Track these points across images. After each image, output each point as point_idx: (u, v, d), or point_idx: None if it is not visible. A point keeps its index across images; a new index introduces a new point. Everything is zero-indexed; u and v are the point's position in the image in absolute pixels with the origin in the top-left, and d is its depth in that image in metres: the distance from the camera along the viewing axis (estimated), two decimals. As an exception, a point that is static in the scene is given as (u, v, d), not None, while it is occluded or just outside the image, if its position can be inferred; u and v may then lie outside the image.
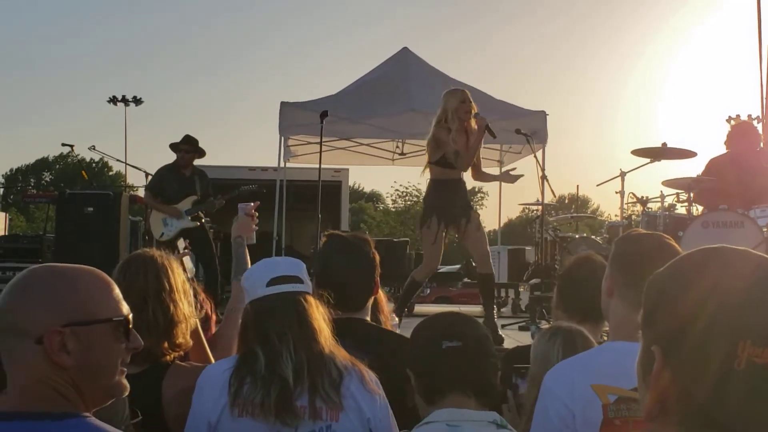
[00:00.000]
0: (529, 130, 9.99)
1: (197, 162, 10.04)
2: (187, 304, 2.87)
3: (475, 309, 9.26)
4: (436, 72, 12.08)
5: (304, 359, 2.50)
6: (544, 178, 9.49)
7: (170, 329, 2.78)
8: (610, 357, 2.42)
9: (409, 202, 50.79)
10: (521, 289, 12.21)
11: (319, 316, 2.61)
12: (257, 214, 3.83)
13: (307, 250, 13.88)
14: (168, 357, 2.79)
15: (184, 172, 9.67)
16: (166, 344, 2.77)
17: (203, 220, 9.82)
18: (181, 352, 2.86)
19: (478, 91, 11.96)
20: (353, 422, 2.51)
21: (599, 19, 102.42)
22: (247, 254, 3.67)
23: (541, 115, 11.03)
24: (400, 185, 50.82)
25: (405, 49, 12.24)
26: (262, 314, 2.59)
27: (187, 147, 9.64)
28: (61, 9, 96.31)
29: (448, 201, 7.20)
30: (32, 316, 1.67)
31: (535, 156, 9.68)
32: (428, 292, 18.90)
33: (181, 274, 2.90)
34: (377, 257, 3.17)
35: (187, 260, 3.74)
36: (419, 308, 11.83)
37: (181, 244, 8.31)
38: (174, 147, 9.70)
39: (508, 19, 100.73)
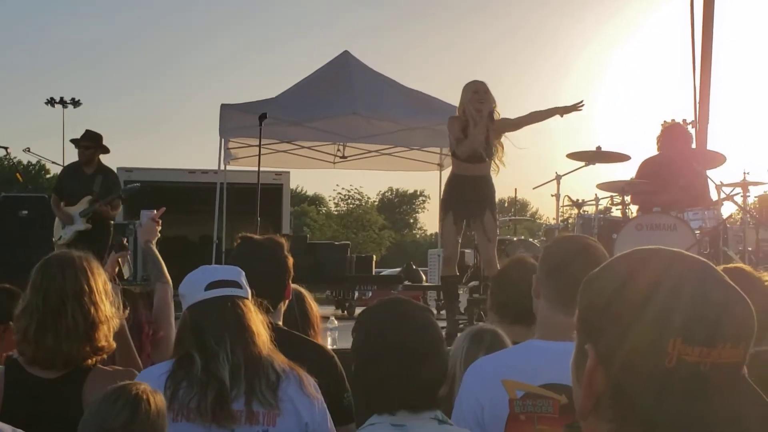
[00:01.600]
0: (468, 133, 10.06)
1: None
2: (109, 305, 2.79)
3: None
4: (377, 75, 12.12)
5: (241, 361, 2.48)
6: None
7: (91, 332, 2.70)
8: (527, 354, 2.50)
9: (351, 206, 50.84)
10: (460, 292, 12.29)
11: (258, 320, 2.60)
12: (160, 221, 4.03)
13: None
14: (90, 361, 2.72)
15: (85, 170, 8.97)
16: (87, 348, 2.69)
17: (112, 222, 9.11)
18: (104, 356, 2.79)
19: (418, 92, 12.07)
20: (291, 427, 2.50)
21: (537, 22, 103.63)
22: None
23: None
24: (342, 188, 50.90)
25: (346, 52, 12.26)
26: (199, 317, 2.56)
27: (86, 143, 8.98)
28: (3, 8, 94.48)
29: (455, 195, 7.10)
30: None
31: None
32: (370, 294, 18.96)
33: (102, 274, 2.83)
34: (290, 260, 3.14)
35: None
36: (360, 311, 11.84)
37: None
38: (74, 143, 9.12)
39: (450, 20, 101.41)
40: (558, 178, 8.96)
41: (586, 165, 8.66)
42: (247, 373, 2.48)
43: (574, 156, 8.65)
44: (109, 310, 2.78)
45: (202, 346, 2.50)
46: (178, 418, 2.42)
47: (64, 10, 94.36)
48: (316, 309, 3.61)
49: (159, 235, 3.95)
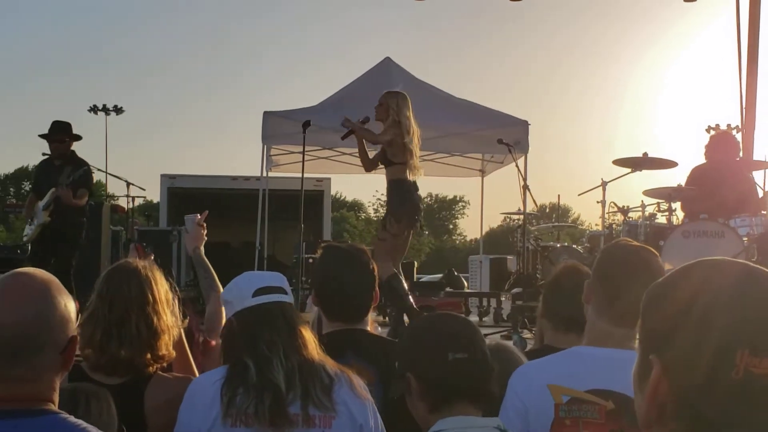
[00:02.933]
0: (511, 140, 10.07)
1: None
2: (170, 315, 2.87)
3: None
4: (418, 81, 12.10)
5: (295, 366, 2.50)
6: (525, 187, 9.56)
7: (153, 341, 2.77)
8: (573, 360, 2.49)
9: (390, 212, 50.81)
10: (503, 298, 12.23)
11: (305, 327, 2.64)
12: (205, 225, 4.00)
13: (289, 260, 13.87)
14: (151, 368, 2.79)
15: (55, 163, 8.68)
16: (149, 355, 2.76)
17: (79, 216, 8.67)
18: (164, 364, 2.85)
19: (459, 98, 12.03)
20: (346, 429, 2.52)
21: (583, 30, 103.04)
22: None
23: (524, 126, 11.09)
24: (382, 194, 50.84)
25: (387, 59, 12.26)
26: (249, 324, 2.58)
27: (60, 136, 8.65)
28: (43, 17, 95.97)
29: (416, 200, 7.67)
30: None
31: (516, 166, 9.74)
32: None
33: (164, 284, 2.91)
34: (376, 267, 3.16)
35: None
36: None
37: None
38: (46, 138, 8.76)
39: (494, 28, 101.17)
40: (604, 184, 8.88)
41: (632, 171, 8.59)
42: (302, 378, 2.49)
43: (620, 162, 8.59)
44: (170, 319, 2.86)
45: (255, 353, 2.52)
46: (236, 424, 2.45)
47: (105, 19, 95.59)
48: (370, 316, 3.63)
49: (206, 238, 3.95)
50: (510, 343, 3.04)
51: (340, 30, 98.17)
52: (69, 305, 1.85)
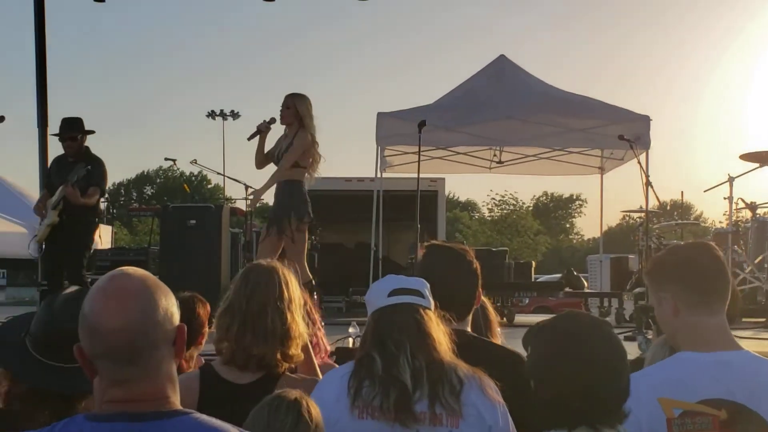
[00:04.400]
0: (632, 135, 9.82)
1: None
2: (301, 317, 2.97)
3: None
4: (533, 78, 11.93)
5: (422, 366, 2.51)
6: (648, 184, 9.28)
7: (285, 339, 2.87)
8: (679, 369, 2.43)
9: (505, 211, 50.32)
10: (625, 298, 11.92)
11: (439, 330, 2.63)
12: None
13: (403, 261, 13.85)
14: (281, 368, 2.87)
15: (68, 159, 8.28)
16: (279, 354, 2.86)
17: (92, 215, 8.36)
18: (293, 364, 2.94)
19: (576, 94, 11.79)
20: (474, 431, 2.51)
21: (706, 20, 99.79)
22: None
23: (645, 120, 10.80)
24: (497, 194, 50.47)
25: (502, 56, 12.12)
26: (380, 322, 2.62)
27: (73, 134, 8.27)
28: (159, 26, 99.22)
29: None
30: None
31: (639, 162, 9.48)
32: (527, 301, 18.63)
33: (297, 287, 3.01)
34: (479, 267, 3.14)
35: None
36: (519, 318, 11.67)
37: None
38: (59, 136, 8.41)
39: (610, 21, 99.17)
40: (731, 180, 8.53)
41: (760, 166, 8.22)
42: (430, 378, 2.51)
43: (748, 157, 8.26)
44: (301, 322, 2.96)
45: (382, 349, 2.56)
46: (363, 416, 2.49)
47: (220, 26, 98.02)
48: (494, 315, 3.56)
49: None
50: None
51: (453, 28, 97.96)
52: (168, 298, 1.86)
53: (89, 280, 10.19)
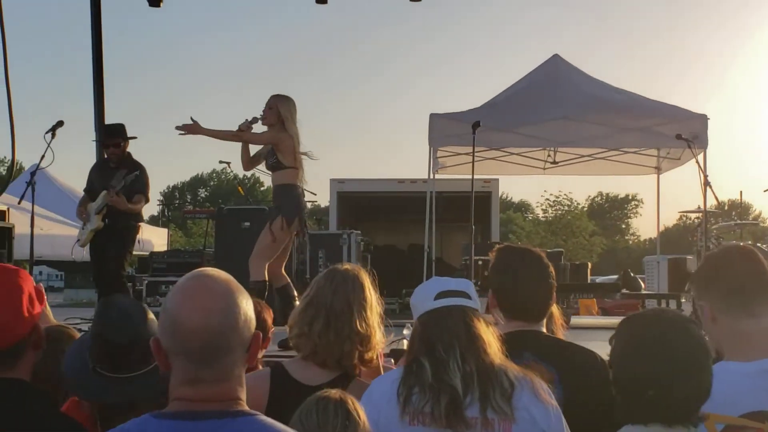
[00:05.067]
0: (689, 134, 9.69)
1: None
2: (377, 322, 3.01)
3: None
4: (588, 78, 11.79)
5: (473, 370, 2.50)
6: (707, 184, 9.14)
7: (366, 342, 2.92)
8: (721, 380, 2.33)
9: (559, 212, 49.86)
10: (683, 300, 11.71)
11: (488, 331, 2.60)
12: None
13: (457, 262, 13.80)
14: (356, 370, 2.93)
15: (110, 165, 8.41)
16: (356, 355, 2.90)
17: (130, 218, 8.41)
18: (370, 368, 2.98)
19: (632, 92, 11.62)
20: None
21: (766, 16, 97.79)
22: None
23: (702, 119, 10.62)
24: (551, 194, 50.01)
25: (556, 56, 12.00)
26: (428, 326, 2.60)
27: (116, 140, 8.39)
28: (211, 29, 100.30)
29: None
30: None
31: (696, 161, 9.33)
32: (582, 303, 18.40)
33: (375, 293, 3.04)
34: (552, 268, 3.14)
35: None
36: (575, 320, 11.53)
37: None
38: (101, 142, 8.72)
39: (665, 19, 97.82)
40: (793, 178, 8.32)
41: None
42: (480, 382, 2.48)
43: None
44: (379, 330, 3.00)
45: (432, 354, 2.53)
46: (414, 423, 2.47)
47: (270, 27, 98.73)
48: (559, 318, 3.52)
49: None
50: None
51: (506, 28, 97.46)
52: (248, 303, 1.88)
53: (142, 282, 10.36)
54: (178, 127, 7.19)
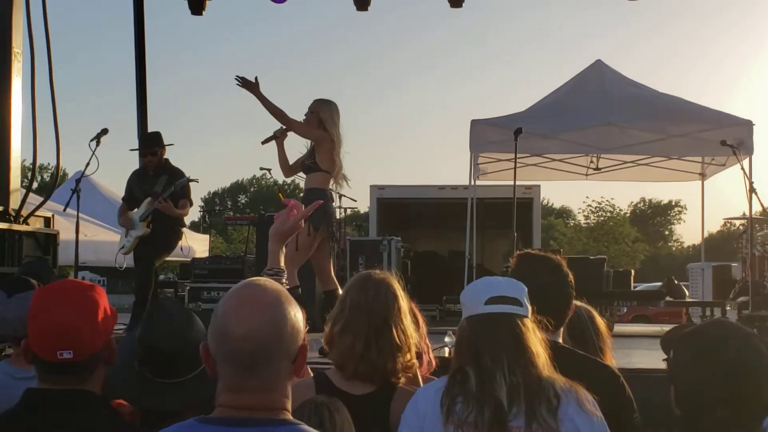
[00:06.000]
0: (734, 140, 9.57)
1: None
2: (413, 326, 3.01)
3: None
4: (632, 83, 11.68)
5: (520, 383, 2.45)
6: (752, 190, 9.01)
7: (405, 350, 2.91)
8: None
9: (602, 218, 49.42)
10: (728, 308, 11.55)
11: (537, 340, 2.56)
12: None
13: (498, 269, 13.73)
14: (400, 378, 2.91)
15: (149, 173, 8.56)
16: (400, 365, 2.90)
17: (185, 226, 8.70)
18: (410, 374, 2.97)
19: (676, 97, 11.50)
20: None
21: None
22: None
23: (748, 125, 10.47)
24: (593, 200, 49.60)
25: (599, 61, 11.92)
26: (476, 333, 2.56)
27: (153, 149, 8.50)
28: (253, 37, 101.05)
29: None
30: None
31: (742, 168, 9.21)
32: (624, 310, 18.23)
33: (405, 297, 3.03)
34: (571, 276, 3.08)
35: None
36: (618, 328, 11.41)
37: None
38: (139, 151, 8.86)
39: (711, 25, 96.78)
40: None
41: None
42: (527, 395, 2.44)
43: None
44: (413, 331, 2.99)
45: (478, 363, 2.50)
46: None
47: (310, 35, 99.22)
48: (605, 327, 3.46)
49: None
50: None
51: (548, 33, 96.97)
52: (298, 315, 1.89)
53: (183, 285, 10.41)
54: (237, 77, 7.17)
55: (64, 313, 2.31)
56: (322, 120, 7.11)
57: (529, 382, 2.46)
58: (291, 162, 7.43)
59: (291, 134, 7.29)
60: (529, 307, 2.63)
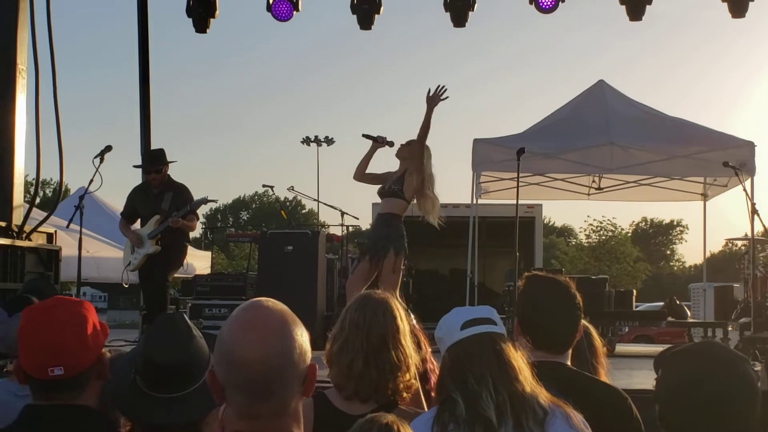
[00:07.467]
0: (736, 161, 9.60)
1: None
2: (413, 347, 2.99)
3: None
4: (634, 103, 11.72)
5: (506, 399, 2.45)
6: (754, 211, 9.02)
7: (404, 369, 2.89)
8: None
9: (603, 237, 49.36)
10: (730, 329, 11.53)
11: (518, 356, 2.56)
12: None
13: (500, 288, 13.71)
14: (399, 398, 2.90)
15: (153, 190, 8.57)
16: (401, 384, 2.89)
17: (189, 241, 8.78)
18: (410, 394, 2.95)
19: (679, 119, 11.52)
20: None
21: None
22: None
23: (750, 147, 10.51)
24: (594, 219, 49.57)
25: (601, 81, 11.96)
26: (458, 358, 2.55)
27: (159, 167, 8.53)
28: (258, 53, 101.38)
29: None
30: None
31: (744, 189, 9.22)
32: (626, 330, 18.19)
33: (406, 317, 3.01)
34: (579, 297, 3.06)
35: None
36: (619, 348, 11.40)
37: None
38: (142, 168, 8.90)
39: (711, 46, 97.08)
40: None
41: None
42: (514, 410, 2.44)
43: None
44: (413, 351, 2.98)
45: (464, 388, 2.49)
46: None
47: (314, 52, 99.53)
48: (600, 344, 3.46)
49: None
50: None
51: (549, 52, 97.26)
52: (304, 334, 1.85)
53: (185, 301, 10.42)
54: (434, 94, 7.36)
55: (52, 331, 2.32)
56: (415, 154, 7.32)
57: (515, 397, 2.46)
58: (368, 170, 7.64)
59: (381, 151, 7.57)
60: (504, 327, 2.64)
